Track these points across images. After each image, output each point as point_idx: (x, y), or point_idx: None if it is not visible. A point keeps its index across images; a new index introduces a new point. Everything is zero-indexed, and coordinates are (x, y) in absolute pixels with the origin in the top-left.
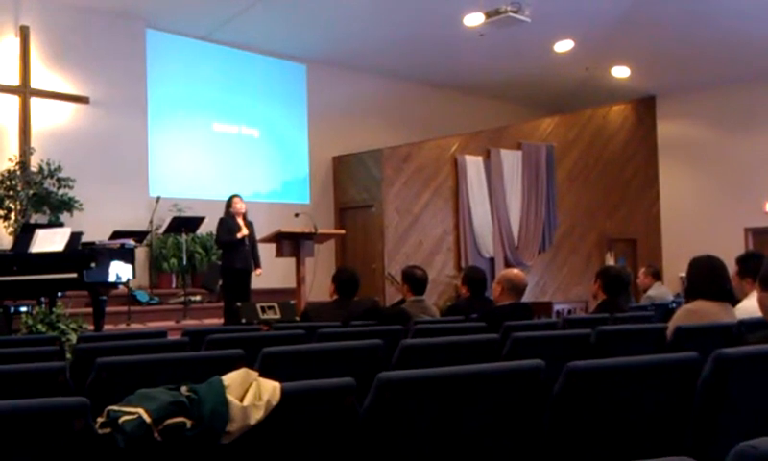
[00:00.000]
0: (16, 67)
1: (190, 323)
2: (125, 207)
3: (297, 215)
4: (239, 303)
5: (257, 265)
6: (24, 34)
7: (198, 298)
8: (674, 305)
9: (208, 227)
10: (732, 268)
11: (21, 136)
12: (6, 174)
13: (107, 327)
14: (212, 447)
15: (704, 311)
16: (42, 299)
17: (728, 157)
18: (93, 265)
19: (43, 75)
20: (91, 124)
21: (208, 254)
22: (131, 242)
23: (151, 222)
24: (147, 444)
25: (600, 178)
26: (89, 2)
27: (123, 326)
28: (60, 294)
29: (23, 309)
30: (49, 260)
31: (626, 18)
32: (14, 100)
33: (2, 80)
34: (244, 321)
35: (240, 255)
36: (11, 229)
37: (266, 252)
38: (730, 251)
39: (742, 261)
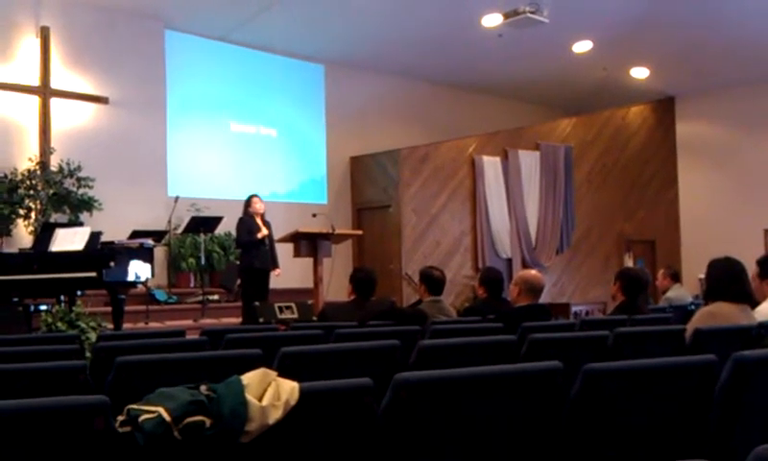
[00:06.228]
0: (37, 68)
1: (208, 322)
2: (144, 207)
3: (314, 215)
4: (257, 303)
5: (276, 265)
6: (44, 34)
7: (216, 297)
8: (693, 307)
9: (226, 226)
10: (751, 270)
11: (41, 136)
12: (26, 173)
13: (125, 325)
14: (231, 446)
15: (723, 313)
16: (62, 297)
17: (747, 158)
18: (112, 264)
19: (63, 75)
20: (111, 124)
21: (226, 253)
22: (149, 242)
23: (169, 221)
24: (167, 442)
25: (619, 179)
26: (109, 3)
27: (142, 324)
28: (79, 293)
29: (43, 308)
30: (69, 259)
31: (645, 19)
32: (35, 100)
33: (23, 80)
34: (262, 320)
35: (260, 255)
36: (31, 228)
37: (283, 252)
38: (749, 252)
39: (762, 263)
